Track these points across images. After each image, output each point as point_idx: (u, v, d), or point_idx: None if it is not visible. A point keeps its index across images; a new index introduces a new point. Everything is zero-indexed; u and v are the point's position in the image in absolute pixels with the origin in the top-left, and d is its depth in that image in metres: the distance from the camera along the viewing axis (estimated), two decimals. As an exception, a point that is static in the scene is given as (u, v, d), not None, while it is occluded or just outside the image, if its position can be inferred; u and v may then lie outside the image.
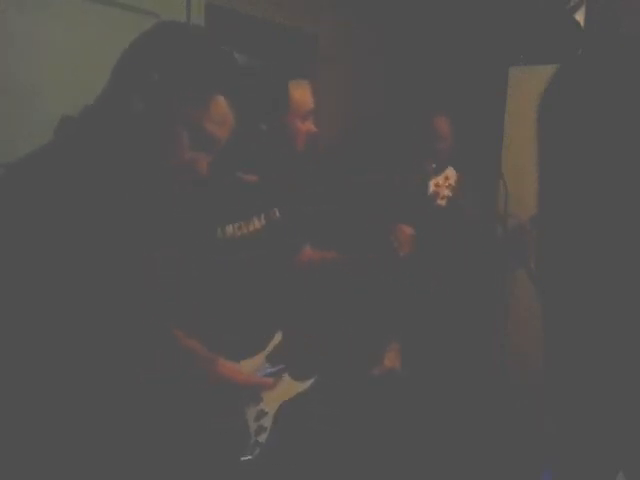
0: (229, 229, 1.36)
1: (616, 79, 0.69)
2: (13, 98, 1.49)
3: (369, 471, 1.64)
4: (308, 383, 1.35)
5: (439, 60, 3.00)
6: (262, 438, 1.25)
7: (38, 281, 0.78)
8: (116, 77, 0.91)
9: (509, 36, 2.71)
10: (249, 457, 1.22)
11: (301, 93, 1.45)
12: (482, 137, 2.69)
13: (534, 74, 2.38)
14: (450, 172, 1.61)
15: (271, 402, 1.28)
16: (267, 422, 1.27)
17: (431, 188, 1.59)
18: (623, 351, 0.86)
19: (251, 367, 1.27)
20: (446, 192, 1.60)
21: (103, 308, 0.83)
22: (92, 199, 0.84)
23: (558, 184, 0.79)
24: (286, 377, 1.32)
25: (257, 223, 1.43)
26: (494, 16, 2.84)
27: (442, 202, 1.61)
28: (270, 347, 1.31)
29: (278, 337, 1.34)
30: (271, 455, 1.28)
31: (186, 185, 0.93)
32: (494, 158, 2.58)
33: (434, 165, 1.63)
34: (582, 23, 2.48)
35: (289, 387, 1.32)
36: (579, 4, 2.48)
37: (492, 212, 2.22)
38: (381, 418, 1.76)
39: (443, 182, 1.60)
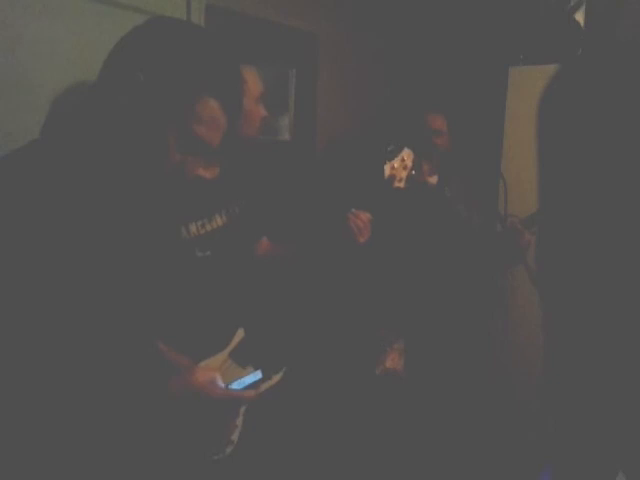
0: (193, 228, 1.34)
1: (616, 79, 0.69)
2: (12, 98, 1.48)
3: (368, 471, 1.63)
4: (277, 378, 1.33)
5: (439, 60, 3.00)
6: (234, 436, 1.25)
7: (14, 274, 0.77)
8: (104, 75, 0.88)
9: (509, 36, 2.71)
10: (222, 455, 1.21)
11: (252, 77, 1.46)
12: (482, 137, 2.69)
13: (534, 74, 2.38)
14: (406, 153, 1.58)
15: None
16: (239, 420, 1.26)
17: (387, 172, 1.56)
18: (623, 351, 0.85)
19: (215, 365, 1.25)
20: (403, 174, 1.57)
21: (76, 307, 0.82)
22: (74, 199, 0.83)
23: (558, 184, 0.79)
24: (251, 371, 1.30)
25: (219, 220, 1.42)
26: (494, 16, 2.84)
27: (400, 184, 1.58)
28: (233, 344, 1.30)
29: (240, 334, 1.33)
30: (258, 455, 1.28)
31: (175, 187, 0.92)
32: (494, 158, 2.58)
33: (390, 148, 1.61)
34: (582, 23, 2.48)
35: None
36: (579, 4, 2.48)
37: (492, 212, 2.22)
38: (380, 417, 1.76)
39: (399, 164, 1.57)
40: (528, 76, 2.44)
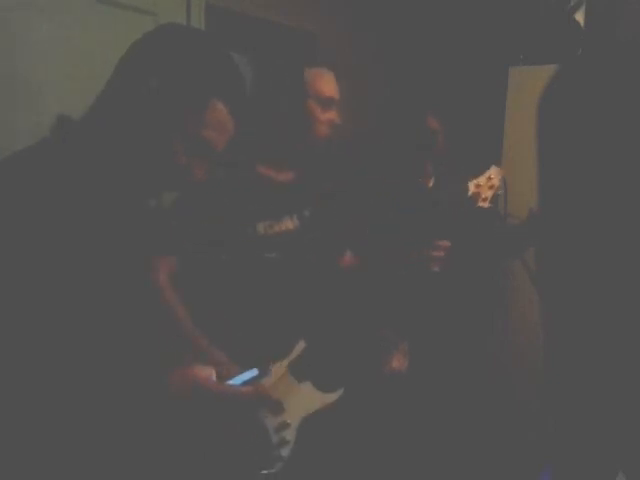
0: (260, 227, 1.33)
1: (616, 79, 0.69)
2: (14, 98, 1.49)
3: (368, 470, 1.63)
4: (335, 396, 1.27)
5: (439, 60, 3.00)
6: (285, 452, 1.19)
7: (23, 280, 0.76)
8: (114, 80, 0.90)
9: (509, 36, 2.71)
10: (271, 471, 1.16)
11: (321, 81, 1.42)
12: (482, 137, 2.69)
13: (534, 74, 2.38)
14: (494, 171, 1.49)
15: (294, 414, 1.21)
16: (290, 435, 1.20)
17: (471, 189, 1.48)
18: (623, 351, 0.85)
19: (273, 376, 1.21)
20: (488, 193, 1.48)
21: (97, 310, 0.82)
22: (84, 201, 0.83)
23: (558, 184, 0.79)
24: (309, 387, 1.25)
25: (289, 223, 1.40)
26: (494, 16, 2.84)
27: (484, 204, 1.49)
28: (293, 355, 1.25)
29: (301, 346, 1.27)
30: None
31: (181, 189, 0.92)
32: (494, 158, 2.58)
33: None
34: (582, 23, 2.48)
35: (313, 398, 1.25)
36: (579, 4, 2.48)
37: (492, 212, 2.22)
38: (381, 417, 1.76)
39: (485, 182, 1.48)
40: (528, 76, 2.44)
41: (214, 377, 0.98)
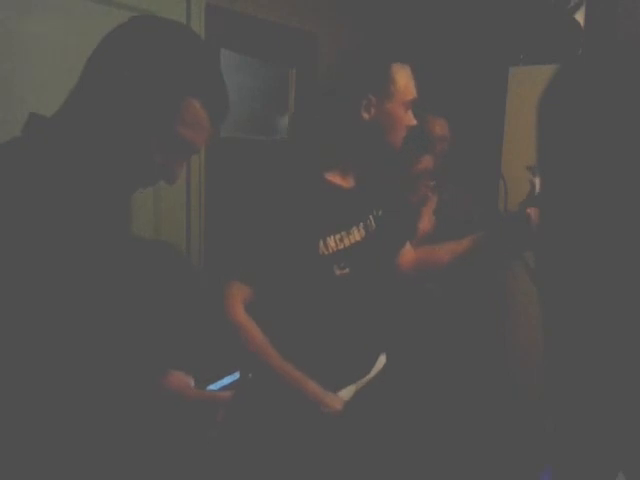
0: (331, 242, 1.23)
1: (616, 79, 0.69)
2: (13, 98, 1.48)
3: (369, 470, 1.63)
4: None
5: (439, 60, 3.00)
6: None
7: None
8: (86, 73, 0.87)
9: (509, 36, 2.71)
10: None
11: (404, 77, 1.32)
12: (482, 137, 2.69)
13: (534, 74, 2.38)
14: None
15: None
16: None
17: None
18: (624, 350, 0.85)
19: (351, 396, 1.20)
20: None
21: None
22: (54, 199, 0.81)
23: (558, 184, 0.79)
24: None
25: (357, 234, 1.29)
26: (494, 16, 2.84)
27: None
28: (374, 372, 1.23)
29: (382, 361, 1.26)
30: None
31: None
32: (494, 158, 2.58)
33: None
34: (582, 23, 2.48)
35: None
36: (579, 4, 2.48)
37: (492, 212, 2.22)
38: (380, 416, 1.76)
39: None
40: (528, 76, 2.44)
41: (192, 383, 0.97)
